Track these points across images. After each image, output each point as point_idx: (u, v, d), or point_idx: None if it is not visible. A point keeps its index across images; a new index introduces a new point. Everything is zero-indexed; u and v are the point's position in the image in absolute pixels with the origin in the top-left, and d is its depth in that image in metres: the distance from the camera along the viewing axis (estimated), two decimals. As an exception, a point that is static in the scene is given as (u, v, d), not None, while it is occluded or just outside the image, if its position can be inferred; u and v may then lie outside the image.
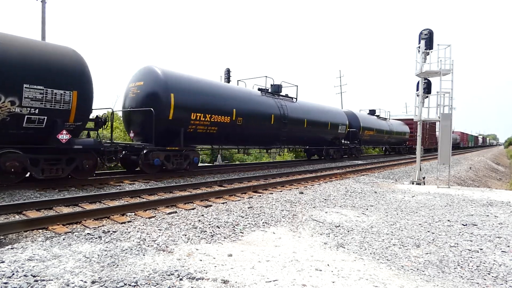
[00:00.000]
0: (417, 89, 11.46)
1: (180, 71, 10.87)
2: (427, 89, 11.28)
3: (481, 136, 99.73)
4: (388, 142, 27.75)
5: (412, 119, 29.47)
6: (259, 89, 14.21)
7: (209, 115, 10.82)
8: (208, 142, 12.26)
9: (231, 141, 12.65)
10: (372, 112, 26.52)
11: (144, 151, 9.36)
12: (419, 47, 11.15)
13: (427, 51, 10.99)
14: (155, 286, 2.87)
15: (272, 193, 7.95)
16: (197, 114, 10.43)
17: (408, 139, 30.84)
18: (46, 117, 6.98)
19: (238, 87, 13.54)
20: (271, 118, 13.56)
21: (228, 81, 16.21)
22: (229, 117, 11.54)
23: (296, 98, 15.89)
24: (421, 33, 11.17)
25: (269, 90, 14.65)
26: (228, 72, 16.62)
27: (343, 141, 19.33)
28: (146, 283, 2.90)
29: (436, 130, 38.11)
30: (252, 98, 13.12)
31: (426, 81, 11.27)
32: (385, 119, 27.22)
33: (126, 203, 5.97)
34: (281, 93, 15.04)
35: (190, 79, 10.78)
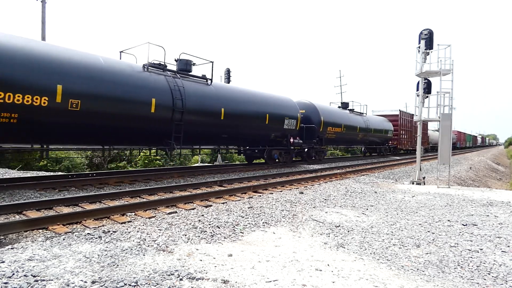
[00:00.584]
0: (417, 89, 11.46)
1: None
2: (427, 89, 11.28)
3: (480, 136, 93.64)
4: (364, 141, 23.56)
5: (397, 115, 27.40)
6: (146, 65, 9.45)
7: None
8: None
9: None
10: (344, 105, 22.89)
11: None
12: (419, 47, 11.15)
13: (427, 51, 10.99)
14: (155, 286, 2.88)
15: (272, 193, 7.95)
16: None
17: (392, 138, 27.05)
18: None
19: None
20: (151, 105, 8.93)
21: (228, 81, 16.14)
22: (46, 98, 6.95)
23: (212, 80, 11.40)
24: (421, 33, 11.17)
25: (163, 65, 9.97)
26: (228, 72, 16.61)
27: (293, 140, 15.09)
28: (146, 283, 2.90)
29: (429, 129, 35.69)
30: (116, 74, 8.38)
31: (426, 81, 11.27)
32: (360, 113, 23.23)
33: (126, 203, 5.97)
34: (189, 72, 10.79)
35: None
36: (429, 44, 11.00)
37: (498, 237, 4.90)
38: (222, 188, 8.12)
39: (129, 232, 4.42)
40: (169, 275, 3.09)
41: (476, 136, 77.19)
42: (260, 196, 7.58)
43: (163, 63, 10.03)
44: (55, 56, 7.32)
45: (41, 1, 17.12)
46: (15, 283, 2.79)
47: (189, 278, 3.05)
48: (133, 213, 5.52)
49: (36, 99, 6.81)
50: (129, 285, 2.86)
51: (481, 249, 4.32)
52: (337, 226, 5.24)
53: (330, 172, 12.89)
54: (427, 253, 4.11)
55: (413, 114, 29.88)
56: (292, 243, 4.38)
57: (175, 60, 10.85)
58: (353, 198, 7.92)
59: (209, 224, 5.00)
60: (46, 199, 5.93)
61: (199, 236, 4.46)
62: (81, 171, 13.83)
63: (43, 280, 2.86)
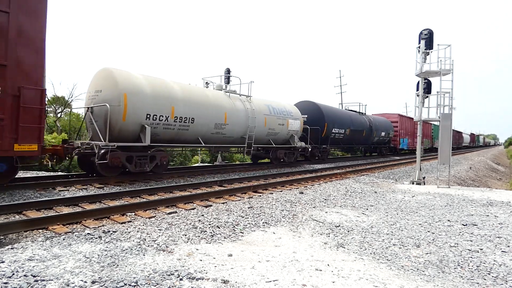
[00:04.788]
0: (417, 89, 11.47)
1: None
2: (427, 89, 11.29)
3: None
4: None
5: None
6: None
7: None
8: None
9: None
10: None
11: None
12: (419, 47, 11.15)
13: (427, 51, 10.99)
14: (155, 286, 2.87)
15: (272, 193, 7.95)
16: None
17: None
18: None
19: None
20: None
21: (228, 81, 16.13)
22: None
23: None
24: (421, 33, 11.17)
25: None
26: (228, 72, 16.61)
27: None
28: (146, 283, 2.90)
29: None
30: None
31: (426, 81, 11.27)
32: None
33: (126, 203, 5.96)
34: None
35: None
36: (429, 44, 11.00)
37: (498, 237, 4.90)
38: (222, 188, 8.12)
39: (129, 232, 4.42)
40: (169, 275, 3.09)
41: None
42: (260, 196, 7.58)
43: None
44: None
45: (41, 1, 17.10)
46: (15, 283, 2.78)
47: (189, 278, 3.05)
48: (133, 213, 5.52)
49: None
50: (129, 285, 2.86)
51: (481, 249, 4.32)
52: (337, 226, 5.24)
53: (330, 172, 12.89)
54: (427, 253, 4.11)
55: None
56: (292, 243, 4.38)
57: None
58: (353, 198, 7.92)
59: (209, 224, 5.00)
60: (46, 199, 5.92)
61: (199, 236, 4.46)
62: (81, 171, 13.80)
63: (43, 280, 2.86)
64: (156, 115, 9.25)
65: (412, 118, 30.46)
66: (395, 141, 27.60)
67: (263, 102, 13.85)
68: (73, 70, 64.04)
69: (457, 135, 48.59)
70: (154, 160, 9.46)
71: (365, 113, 23.56)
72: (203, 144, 10.92)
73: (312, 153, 17.46)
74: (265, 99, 14.46)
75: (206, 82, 13.01)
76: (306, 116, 17.13)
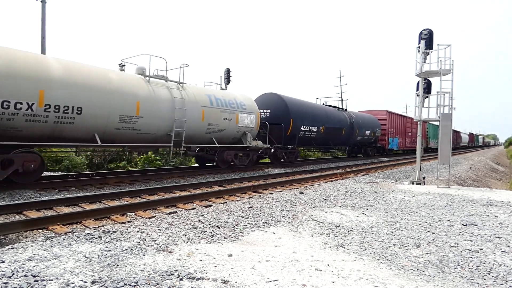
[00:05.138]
0: (417, 89, 11.47)
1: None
2: (427, 89, 11.28)
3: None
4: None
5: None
6: None
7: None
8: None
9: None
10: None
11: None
12: (419, 47, 11.15)
13: (427, 51, 10.99)
14: (155, 286, 2.88)
15: (272, 193, 7.95)
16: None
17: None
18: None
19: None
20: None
21: (228, 81, 16.12)
22: None
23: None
24: (421, 33, 11.17)
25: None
26: (228, 72, 16.61)
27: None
28: (146, 283, 2.90)
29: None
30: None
31: (426, 81, 11.27)
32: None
33: (126, 203, 5.97)
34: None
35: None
36: (429, 44, 11.00)
37: (498, 237, 4.90)
38: (222, 188, 8.12)
39: (129, 232, 4.42)
40: (169, 275, 3.09)
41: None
42: (260, 196, 7.58)
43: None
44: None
45: (41, 1, 17.12)
46: (15, 283, 2.79)
47: (189, 278, 3.05)
48: (133, 213, 5.52)
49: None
50: (129, 285, 2.86)
51: (481, 249, 4.32)
52: (337, 226, 5.24)
53: (330, 172, 12.89)
54: (427, 253, 4.11)
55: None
56: (292, 243, 4.38)
57: None
58: (353, 198, 7.92)
59: (209, 224, 5.00)
60: (46, 199, 5.93)
61: (199, 236, 4.46)
62: (81, 171, 13.81)
63: (43, 280, 2.86)
64: (10, 102, 6.59)
65: (404, 116, 29.28)
66: (383, 140, 25.00)
67: (202, 91, 11.13)
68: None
69: (455, 134, 47.33)
70: (10, 166, 6.85)
71: (346, 109, 20.87)
72: (100, 143, 8.09)
73: (275, 155, 15.01)
74: (207, 88, 11.89)
75: (120, 64, 9.62)
76: (268, 110, 14.91)
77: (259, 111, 13.50)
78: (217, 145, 11.32)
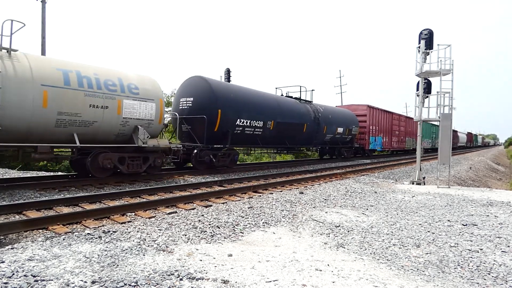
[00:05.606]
0: (417, 89, 11.47)
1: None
2: (427, 89, 11.29)
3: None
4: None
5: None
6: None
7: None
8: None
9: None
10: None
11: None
12: (419, 47, 11.15)
13: (427, 51, 10.99)
14: (155, 286, 2.87)
15: (272, 193, 7.95)
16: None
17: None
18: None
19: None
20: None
21: (228, 81, 16.13)
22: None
23: None
24: (421, 33, 11.17)
25: None
26: (228, 72, 16.62)
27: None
28: (146, 283, 2.90)
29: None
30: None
31: (426, 81, 11.28)
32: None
33: (126, 203, 5.96)
34: None
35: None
36: (429, 44, 11.00)
37: (498, 237, 4.90)
38: (222, 188, 8.12)
39: (129, 232, 4.42)
40: (169, 275, 3.09)
41: (455, 132, 47.42)
42: (260, 196, 7.58)
43: None
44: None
45: (41, 1, 17.12)
46: (15, 283, 2.78)
47: (189, 278, 3.05)
48: (133, 213, 5.52)
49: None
50: (129, 285, 2.86)
51: (481, 249, 4.32)
52: (337, 226, 5.24)
53: (330, 172, 12.89)
54: (427, 253, 4.11)
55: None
56: (292, 243, 4.38)
57: None
58: (353, 198, 7.92)
59: (209, 224, 5.00)
60: (46, 199, 5.93)
61: (199, 236, 4.46)
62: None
63: (43, 280, 2.86)
64: None
65: (389, 112, 25.52)
66: (363, 140, 21.85)
67: (53, 64, 7.42)
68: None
69: (452, 134, 45.80)
70: None
71: (311, 101, 16.95)
72: None
73: (197, 158, 10.95)
74: (68, 61, 7.88)
75: None
76: (191, 99, 11.34)
77: (167, 97, 11.74)
78: (78, 144, 7.49)
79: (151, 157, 9.23)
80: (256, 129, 12.84)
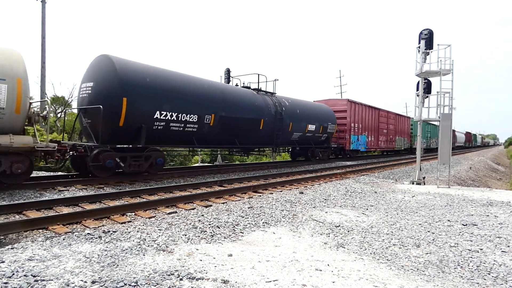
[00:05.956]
0: (417, 89, 11.47)
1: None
2: (427, 89, 11.29)
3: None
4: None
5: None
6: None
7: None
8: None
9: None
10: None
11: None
12: (419, 47, 11.16)
13: (427, 51, 11.00)
14: (155, 286, 2.88)
15: (272, 193, 7.95)
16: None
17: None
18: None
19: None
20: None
21: (228, 81, 16.10)
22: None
23: None
24: (421, 33, 11.18)
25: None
26: (228, 72, 16.62)
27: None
28: (146, 283, 2.90)
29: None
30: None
31: (426, 81, 11.28)
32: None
33: (126, 203, 5.97)
34: None
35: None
36: (429, 44, 11.01)
37: (498, 237, 4.90)
38: (222, 188, 8.12)
39: (129, 232, 4.42)
40: (169, 275, 3.09)
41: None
42: (260, 196, 7.58)
43: None
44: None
45: (41, 1, 17.13)
46: (15, 283, 2.78)
47: (189, 278, 3.05)
48: (133, 213, 5.52)
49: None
50: (129, 285, 2.86)
51: (481, 249, 4.32)
52: (337, 226, 5.24)
53: (330, 172, 12.89)
54: (427, 253, 4.11)
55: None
56: (292, 243, 4.38)
57: None
58: (353, 198, 7.92)
59: (209, 224, 5.00)
60: (46, 199, 5.93)
61: (199, 236, 4.46)
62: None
63: (43, 280, 2.86)
64: None
65: (374, 107, 22.80)
66: (343, 139, 19.21)
67: None
68: (74, 71, 64.07)
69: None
70: None
71: (274, 93, 14.33)
72: None
73: (93, 162, 8.06)
74: None
75: None
76: (91, 84, 8.77)
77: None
78: None
79: (3, 162, 6.58)
80: (188, 125, 10.04)
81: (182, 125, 9.94)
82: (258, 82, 14.04)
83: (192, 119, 10.15)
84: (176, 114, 9.64)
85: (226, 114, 11.28)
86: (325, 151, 18.00)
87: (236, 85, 13.77)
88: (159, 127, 9.37)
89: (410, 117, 30.07)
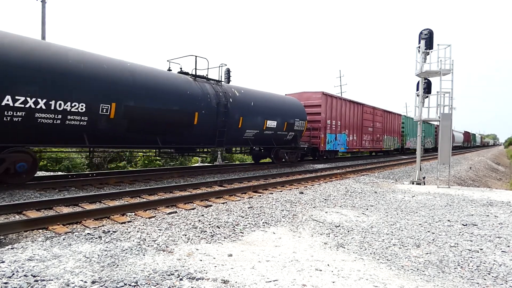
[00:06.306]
0: (417, 89, 11.47)
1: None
2: (427, 89, 11.29)
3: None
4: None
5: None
6: None
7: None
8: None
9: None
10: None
11: None
12: (419, 47, 11.16)
13: (427, 51, 10.99)
14: (155, 286, 2.87)
15: (272, 193, 7.95)
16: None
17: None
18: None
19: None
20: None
21: (228, 81, 16.08)
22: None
23: None
24: (421, 33, 11.17)
25: None
26: (228, 72, 16.62)
27: None
28: (146, 283, 2.90)
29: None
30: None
31: (426, 81, 11.28)
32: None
33: (126, 203, 5.97)
34: None
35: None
36: (429, 44, 11.00)
37: (498, 237, 4.90)
38: (222, 188, 8.12)
39: (129, 232, 4.42)
40: (169, 275, 3.09)
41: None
42: (260, 196, 7.58)
43: None
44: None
45: (41, 1, 17.13)
46: (15, 283, 2.78)
47: (189, 278, 3.05)
48: (133, 213, 5.52)
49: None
50: (129, 285, 2.86)
51: (481, 249, 4.32)
52: (337, 226, 5.24)
53: (330, 172, 12.89)
54: (427, 253, 4.11)
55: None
56: (292, 243, 4.38)
57: None
58: (353, 198, 7.92)
59: (209, 224, 5.00)
60: (46, 199, 5.92)
61: (199, 236, 4.46)
62: (81, 171, 13.81)
63: (43, 280, 2.86)
64: None
65: (358, 103, 20.47)
66: (316, 138, 16.62)
67: None
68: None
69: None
70: None
71: (220, 81, 11.59)
72: None
73: None
74: None
75: None
76: None
77: None
78: None
79: None
80: (70, 117, 7.43)
81: (59, 116, 7.25)
82: (196, 68, 10.90)
83: (77, 108, 7.48)
84: (44, 100, 6.98)
85: (137, 104, 8.51)
86: (293, 152, 15.10)
87: (182, 72, 10.82)
88: (15, 118, 6.71)
89: (400, 115, 27.40)
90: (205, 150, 12.38)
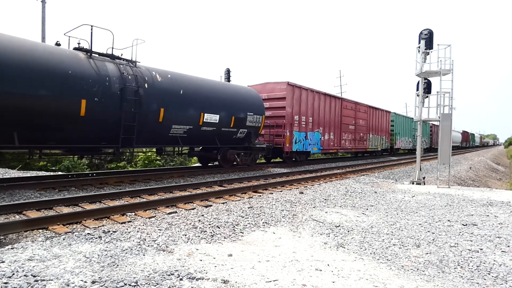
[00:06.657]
0: (417, 89, 11.47)
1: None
2: (427, 89, 11.29)
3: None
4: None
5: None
6: None
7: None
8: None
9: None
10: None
11: None
12: (419, 47, 11.16)
13: (427, 51, 11.00)
14: (155, 286, 2.87)
15: (272, 193, 7.95)
16: None
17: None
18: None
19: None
20: None
21: (228, 81, 16.05)
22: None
23: None
24: (421, 33, 11.18)
25: None
26: (228, 72, 16.62)
27: None
28: (146, 283, 2.90)
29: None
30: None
31: (426, 81, 11.28)
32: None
33: (126, 203, 5.96)
34: None
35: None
36: (429, 44, 11.01)
37: (498, 237, 4.90)
38: (222, 188, 8.12)
39: (129, 232, 4.42)
40: (169, 275, 3.09)
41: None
42: (260, 196, 7.58)
43: None
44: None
45: (41, 1, 17.13)
46: (15, 283, 2.78)
47: (189, 278, 3.05)
48: (133, 213, 5.52)
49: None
50: (129, 285, 2.86)
51: (481, 249, 4.32)
52: (337, 226, 5.24)
53: (330, 172, 12.89)
54: (427, 253, 4.11)
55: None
56: (292, 243, 4.38)
57: None
58: (353, 198, 7.92)
59: (209, 224, 5.00)
60: (46, 199, 5.92)
61: (199, 236, 4.46)
62: (81, 171, 13.79)
63: (43, 280, 2.86)
64: None
65: (336, 97, 17.94)
66: (280, 137, 14.03)
67: None
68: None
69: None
70: None
71: (135, 62, 8.74)
72: None
73: None
74: None
75: None
76: None
77: None
78: None
79: None
80: None
81: None
82: (91, 38, 7.86)
83: None
84: None
85: None
86: (247, 154, 12.32)
87: (58, 44, 7.69)
88: None
89: (389, 111, 24.68)
90: (109, 151, 9.22)
